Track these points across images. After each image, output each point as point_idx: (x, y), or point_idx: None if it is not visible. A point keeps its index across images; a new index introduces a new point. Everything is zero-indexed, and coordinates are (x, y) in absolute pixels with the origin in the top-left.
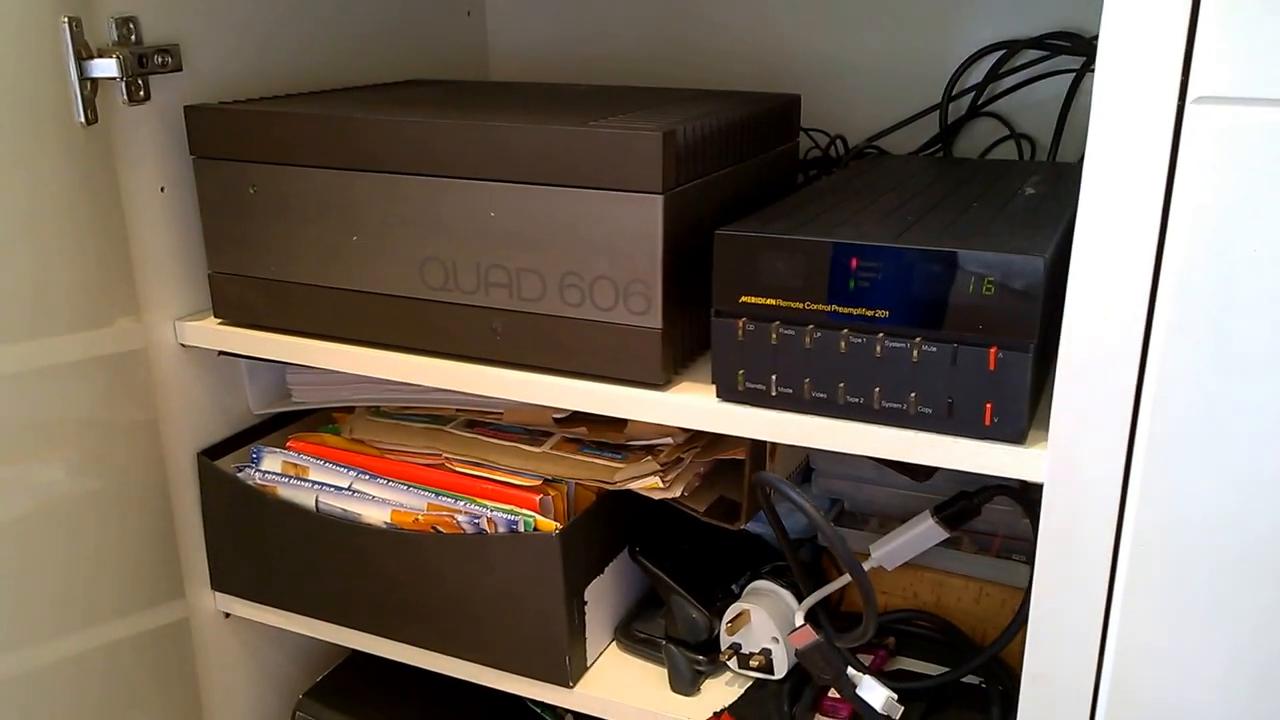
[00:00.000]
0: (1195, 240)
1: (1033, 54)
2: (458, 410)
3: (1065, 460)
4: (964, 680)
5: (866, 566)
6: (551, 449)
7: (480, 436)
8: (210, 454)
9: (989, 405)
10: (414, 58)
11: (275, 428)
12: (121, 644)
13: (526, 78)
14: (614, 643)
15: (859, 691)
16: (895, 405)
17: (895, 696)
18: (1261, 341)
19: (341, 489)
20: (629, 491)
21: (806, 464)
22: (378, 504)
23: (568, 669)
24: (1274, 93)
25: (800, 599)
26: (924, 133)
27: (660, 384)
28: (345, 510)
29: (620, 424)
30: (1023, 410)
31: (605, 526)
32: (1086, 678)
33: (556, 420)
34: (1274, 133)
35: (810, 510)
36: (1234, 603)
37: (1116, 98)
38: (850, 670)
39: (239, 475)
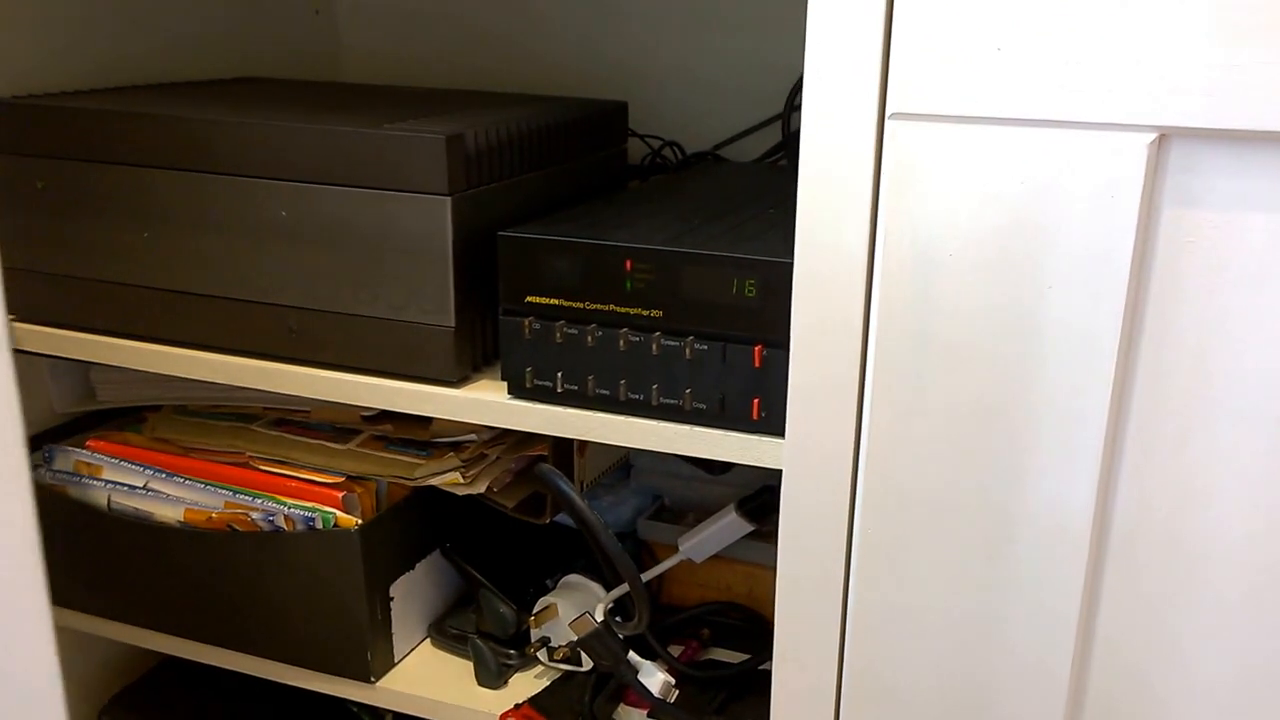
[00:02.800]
0: (900, 244)
1: None
2: (265, 409)
3: (800, 448)
4: (766, 668)
5: (675, 560)
6: (357, 446)
7: (286, 435)
8: None
9: (756, 400)
10: (258, 56)
11: (84, 428)
12: None
13: (380, 79)
14: (428, 639)
15: (640, 677)
16: (672, 401)
17: (672, 681)
18: (961, 331)
19: (136, 488)
20: (444, 490)
21: (626, 460)
22: (172, 503)
23: (369, 665)
24: (957, 110)
25: (610, 592)
26: (770, 140)
27: (455, 381)
28: (138, 509)
29: (428, 422)
30: (786, 405)
31: (417, 523)
32: (831, 649)
33: (364, 418)
34: (960, 145)
35: (576, 501)
36: (957, 573)
37: (824, 114)
38: (633, 656)
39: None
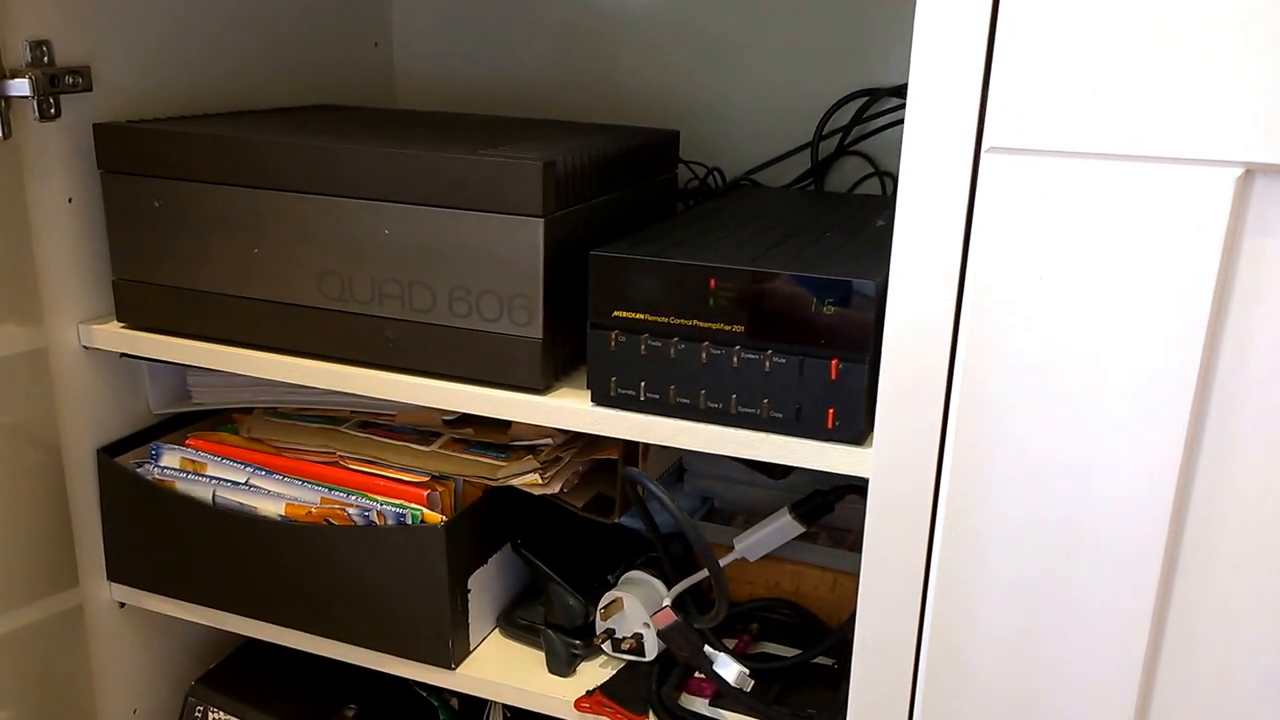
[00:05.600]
0: (991, 269)
1: (893, 100)
2: (352, 412)
3: (887, 458)
4: (818, 661)
5: (730, 558)
6: (440, 448)
7: (373, 436)
8: (110, 451)
9: (831, 410)
10: (323, 84)
11: (175, 427)
12: (16, 632)
13: (430, 106)
14: (496, 629)
15: (715, 667)
16: (750, 410)
17: (747, 671)
18: (1044, 354)
19: (238, 484)
20: (512, 488)
21: (679, 464)
22: (273, 498)
23: (450, 652)
24: (1052, 145)
25: (670, 588)
26: (798, 168)
27: (541, 389)
28: (241, 504)
29: (505, 426)
30: (860, 415)
31: (489, 520)
32: (908, 646)
33: (445, 422)
34: (1053, 178)
35: (667, 501)
36: (1032, 576)
37: (923, 147)
38: (707, 648)
39: (138, 471)
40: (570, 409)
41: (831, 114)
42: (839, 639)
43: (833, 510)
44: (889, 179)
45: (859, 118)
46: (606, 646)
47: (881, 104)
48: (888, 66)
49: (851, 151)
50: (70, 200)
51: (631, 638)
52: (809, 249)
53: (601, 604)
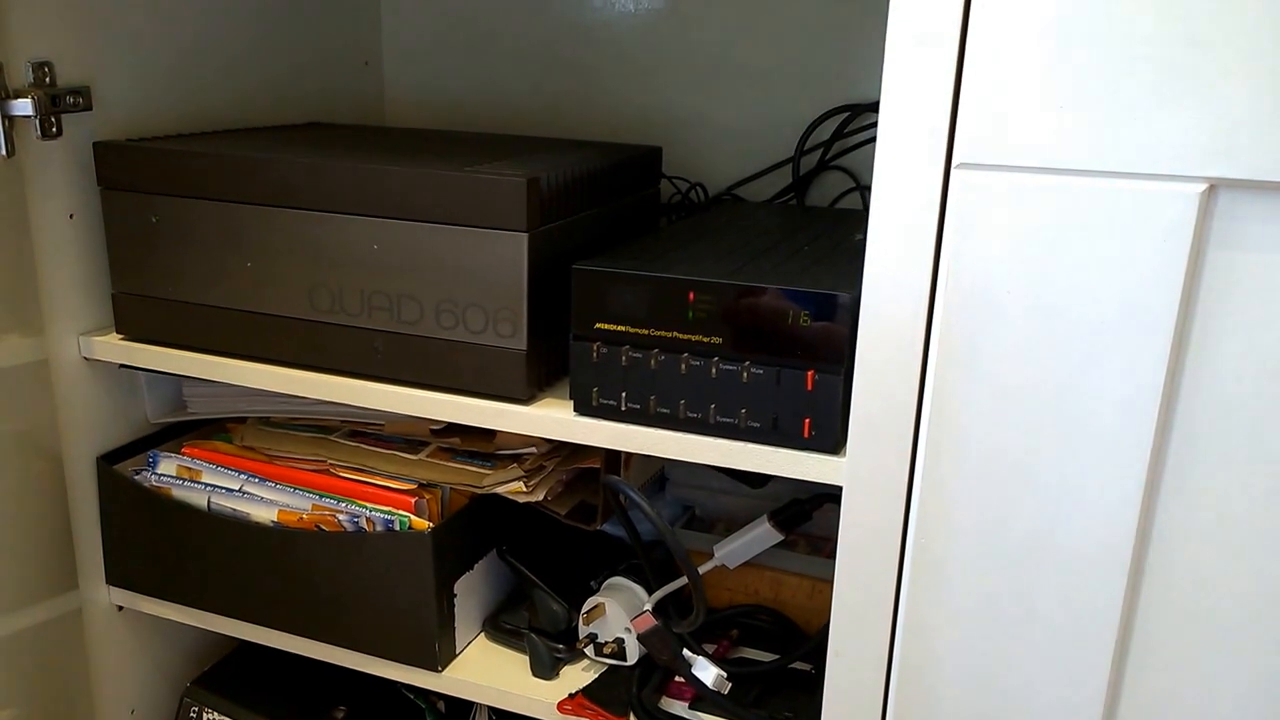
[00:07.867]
0: (961, 283)
1: (873, 116)
2: (342, 421)
3: (860, 468)
4: (795, 666)
5: (710, 565)
6: (427, 457)
7: (362, 445)
8: (109, 458)
9: (807, 420)
10: (316, 103)
11: (172, 436)
12: (17, 634)
13: (420, 124)
14: (482, 633)
15: (693, 670)
16: (728, 420)
17: (724, 675)
18: (1013, 366)
19: (232, 490)
20: (498, 496)
21: (661, 473)
22: (265, 504)
23: (436, 655)
24: (1020, 161)
25: (651, 594)
26: (780, 182)
27: (525, 399)
28: (235, 510)
29: (490, 435)
30: (836, 425)
31: (475, 527)
32: (881, 652)
33: (433, 431)
34: (1021, 193)
35: (646, 509)
36: (999, 587)
37: (894, 164)
38: (686, 652)
39: (136, 478)
40: (553, 419)
41: (813, 130)
42: (816, 644)
43: (811, 519)
44: (869, 193)
45: (840, 133)
46: (589, 650)
47: (862, 119)
48: (868, 82)
49: (833, 166)
50: (71, 216)
51: (613, 642)
52: (787, 262)
53: (584, 609)
